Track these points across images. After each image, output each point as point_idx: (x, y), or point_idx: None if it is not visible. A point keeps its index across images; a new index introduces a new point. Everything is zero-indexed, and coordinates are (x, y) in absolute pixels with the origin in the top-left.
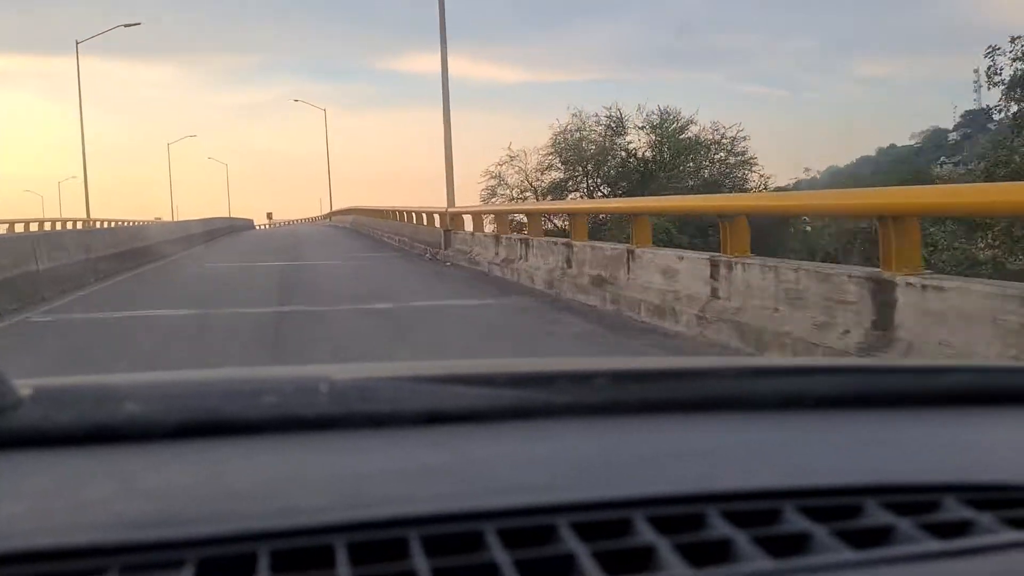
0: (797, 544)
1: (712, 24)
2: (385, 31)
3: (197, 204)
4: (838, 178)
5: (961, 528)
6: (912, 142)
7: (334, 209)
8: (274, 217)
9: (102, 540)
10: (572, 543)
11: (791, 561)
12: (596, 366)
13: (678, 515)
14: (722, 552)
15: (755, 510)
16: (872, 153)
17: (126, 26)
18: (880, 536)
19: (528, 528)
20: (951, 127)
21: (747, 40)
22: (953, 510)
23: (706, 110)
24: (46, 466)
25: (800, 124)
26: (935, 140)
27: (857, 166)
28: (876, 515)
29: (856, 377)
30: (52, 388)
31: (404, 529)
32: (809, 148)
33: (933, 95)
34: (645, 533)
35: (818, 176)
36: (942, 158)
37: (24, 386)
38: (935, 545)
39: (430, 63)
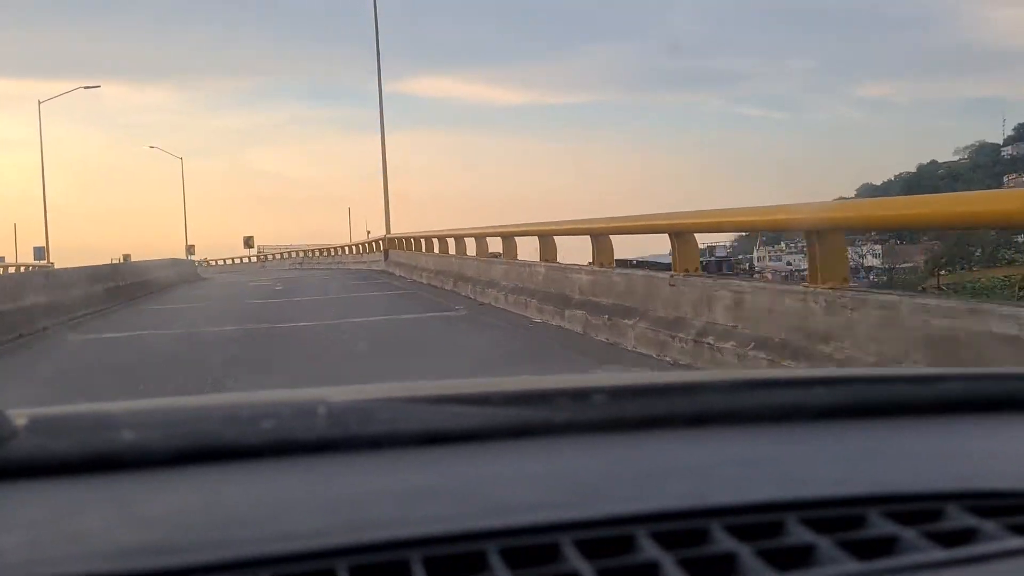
0: (802, 556)
1: (710, 46)
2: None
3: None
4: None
5: (966, 536)
6: (956, 157)
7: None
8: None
9: (100, 570)
10: (576, 561)
11: (797, 574)
12: (594, 383)
13: (681, 530)
14: (727, 566)
15: (758, 523)
16: (912, 169)
17: (86, 88)
18: (885, 546)
19: (531, 547)
20: (1000, 142)
21: (746, 62)
22: (957, 518)
23: (704, 133)
24: (43, 496)
25: (805, 146)
26: (986, 155)
27: (891, 185)
28: (880, 525)
29: (853, 387)
30: (48, 417)
31: (406, 551)
32: (815, 171)
33: (933, 117)
34: (649, 549)
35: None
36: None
37: (19, 415)
38: (940, 554)
39: (431, 85)
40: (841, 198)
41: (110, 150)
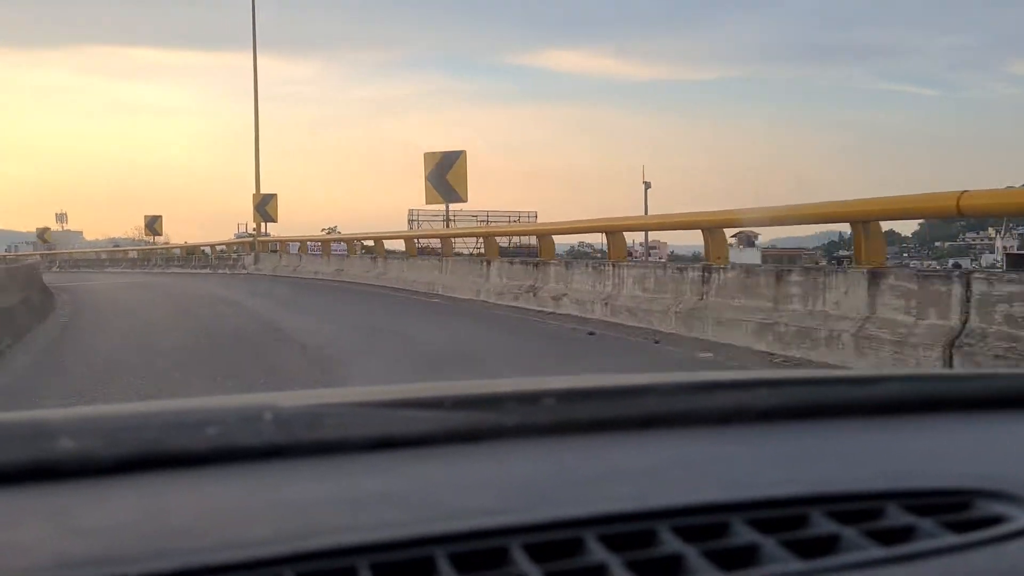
0: (747, 556)
1: (854, 18)
2: (514, 27)
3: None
4: None
5: (904, 534)
6: None
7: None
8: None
9: None
10: (524, 565)
11: (741, 573)
12: (544, 386)
13: (629, 532)
14: (674, 568)
15: (704, 524)
16: None
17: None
18: (827, 545)
19: (480, 551)
20: None
21: (895, 36)
22: (896, 517)
23: (847, 108)
24: None
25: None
26: None
27: None
28: (822, 524)
29: (797, 389)
30: None
31: (353, 558)
32: (975, 152)
33: None
34: (597, 552)
35: None
36: None
37: None
38: (880, 552)
39: (565, 59)
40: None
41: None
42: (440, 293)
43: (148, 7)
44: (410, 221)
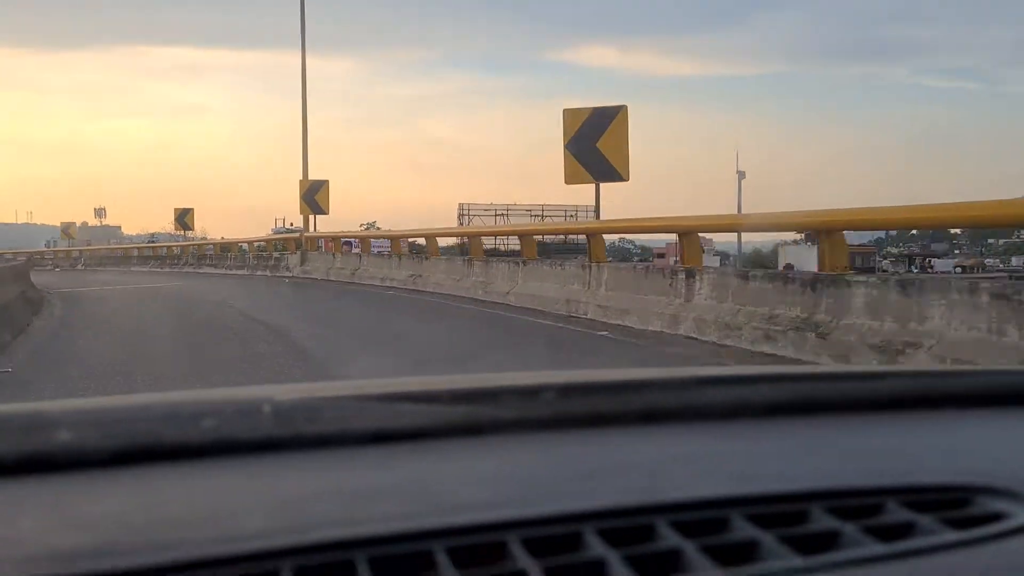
0: (746, 552)
1: (895, 15)
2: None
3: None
4: None
5: (904, 531)
6: None
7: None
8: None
9: (35, 574)
10: (523, 559)
11: (741, 570)
12: (543, 380)
13: (627, 527)
14: (673, 563)
15: (703, 519)
16: None
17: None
18: (827, 541)
19: (478, 546)
20: None
21: (933, 31)
22: (895, 513)
23: (886, 106)
24: None
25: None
26: None
27: None
28: (822, 520)
29: (799, 384)
30: None
31: (351, 551)
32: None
33: None
34: (595, 547)
35: None
36: None
37: None
38: (879, 548)
39: (597, 55)
40: None
41: (293, 116)
42: (605, 321)
43: (184, 8)
44: (460, 216)
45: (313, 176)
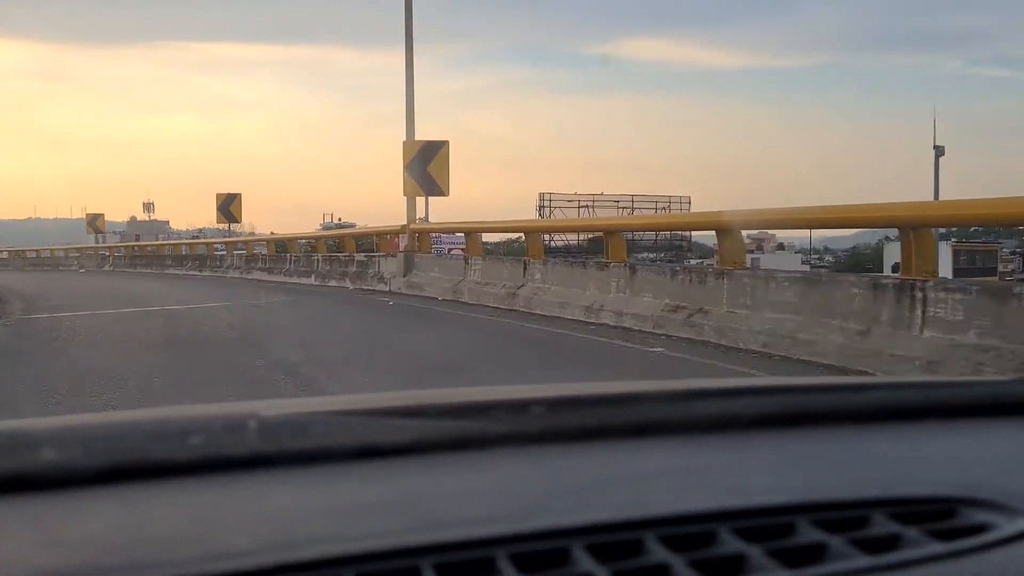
0: (733, 566)
1: (948, 4)
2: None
3: None
4: None
5: (890, 543)
6: None
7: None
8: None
9: None
10: (511, 575)
11: None
12: (531, 394)
13: (616, 542)
14: None
15: (691, 533)
16: None
17: None
18: (813, 553)
19: (466, 562)
20: None
21: (988, 20)
22: (882, 525)
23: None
24: None
25: None
26: None
27: None
28: (809, 533)
29: (785, 397)
30: None
31: (338, 569)
32: None
33: None
34: (583, 562)
35: None
36: None
37: None
38: (866, 561)
39: (639, 48)
40: None
41: (337, 111)
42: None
43: (230, 5)
44: (540, 208)
45: (345, 175)
